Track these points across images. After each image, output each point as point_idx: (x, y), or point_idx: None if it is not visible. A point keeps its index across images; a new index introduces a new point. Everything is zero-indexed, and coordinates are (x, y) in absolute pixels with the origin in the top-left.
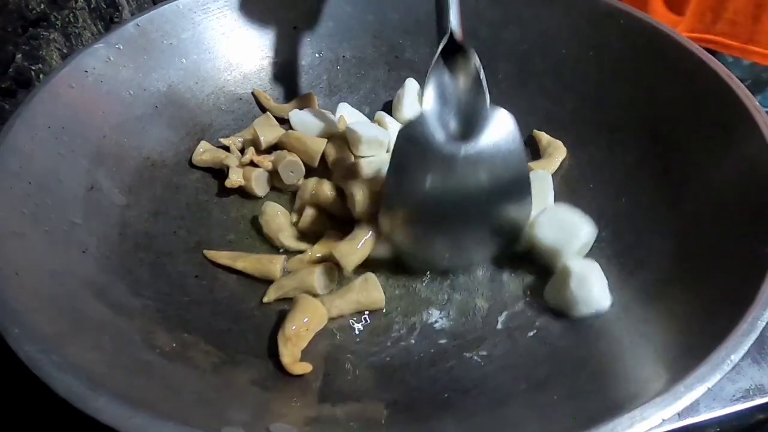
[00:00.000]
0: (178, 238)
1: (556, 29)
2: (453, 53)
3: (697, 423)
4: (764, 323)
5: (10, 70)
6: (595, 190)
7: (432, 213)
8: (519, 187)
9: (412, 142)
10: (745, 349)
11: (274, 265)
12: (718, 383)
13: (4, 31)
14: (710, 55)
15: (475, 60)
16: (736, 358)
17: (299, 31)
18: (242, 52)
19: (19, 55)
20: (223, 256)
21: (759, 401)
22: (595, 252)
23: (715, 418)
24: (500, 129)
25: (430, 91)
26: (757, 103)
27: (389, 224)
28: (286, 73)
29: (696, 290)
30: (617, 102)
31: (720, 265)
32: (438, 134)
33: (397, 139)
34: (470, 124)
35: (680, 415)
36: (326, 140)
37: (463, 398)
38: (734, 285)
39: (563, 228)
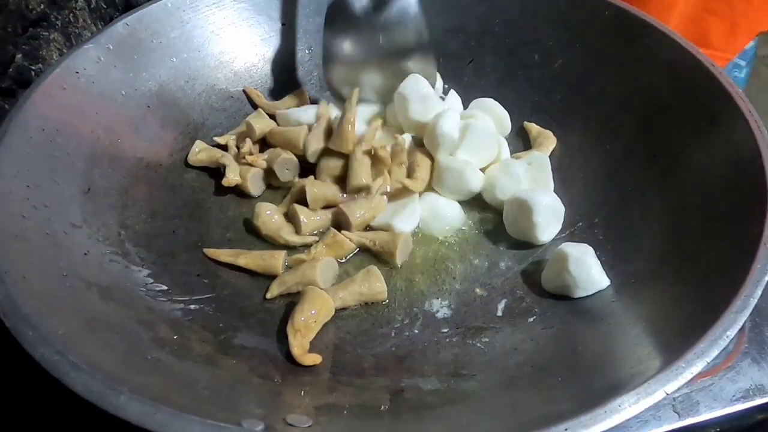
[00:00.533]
0: (178, 238)
1: (542, 22)
2: None
3: (697, 423)
4: (756, 300)
5: (10, 70)
6: (585, 179)
7: (357, 62)
8: (421, 42)
9: (338, 13)
10: (739, 325)
11: (276, 260)
12: (719, 383)
13: (4, 31)
14: (694, 45)
15: None
16: (731, 333)
17: (288, 27)
18: (232, 50)
19: (19, 55)
20: (224, 254)
21: (759, 401)
22: (588, 237)
23: (715, 418)
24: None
25: None
26: (740, 91)
27: (328, 74)
28: (276, 70)
29: (689, 271)
30: (604, 92)
31: (711, 247)
32: (357, 6)
33: (327, 13)
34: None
35: (680, 414)
36: (305, 127)
37: (469, 384)
38: (725, 264)
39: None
